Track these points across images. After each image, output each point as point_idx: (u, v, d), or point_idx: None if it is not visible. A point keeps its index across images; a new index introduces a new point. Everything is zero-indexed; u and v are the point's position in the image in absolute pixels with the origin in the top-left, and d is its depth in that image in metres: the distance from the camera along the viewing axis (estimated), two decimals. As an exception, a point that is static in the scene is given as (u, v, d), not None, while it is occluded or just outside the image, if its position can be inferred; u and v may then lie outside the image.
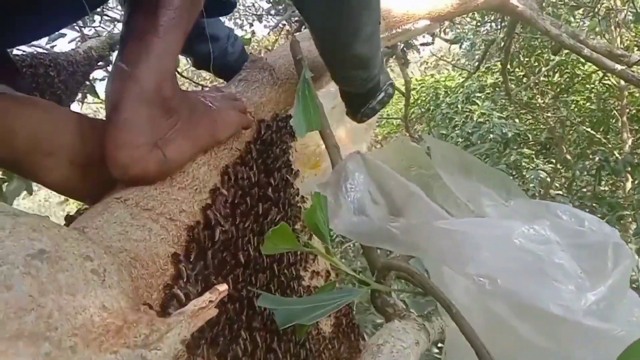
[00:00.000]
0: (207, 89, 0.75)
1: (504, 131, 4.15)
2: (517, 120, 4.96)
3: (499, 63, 5.11)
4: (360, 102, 0.81)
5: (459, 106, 4.62)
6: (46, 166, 0.52)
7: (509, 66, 4.55)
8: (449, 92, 5.22)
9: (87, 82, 2.23)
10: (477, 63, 3.74)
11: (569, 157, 4.92)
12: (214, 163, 0.63)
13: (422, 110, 5.09)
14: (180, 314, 0.29)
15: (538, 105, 5.31)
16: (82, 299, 0.26)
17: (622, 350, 0.35)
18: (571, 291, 0.42)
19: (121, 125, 0.50)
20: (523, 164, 4.32)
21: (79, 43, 2.46)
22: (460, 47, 5.41)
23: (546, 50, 4.89)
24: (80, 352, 0.23)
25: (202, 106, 0.62)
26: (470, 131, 4.23)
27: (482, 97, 4.74)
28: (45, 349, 0.22)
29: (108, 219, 0.46)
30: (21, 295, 0.24)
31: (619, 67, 1.55)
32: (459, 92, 4.82)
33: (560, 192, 3.69)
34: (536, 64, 5.12)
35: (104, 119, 0.53)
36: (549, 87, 5.28)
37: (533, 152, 4.62)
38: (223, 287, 0.32)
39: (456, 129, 4.49)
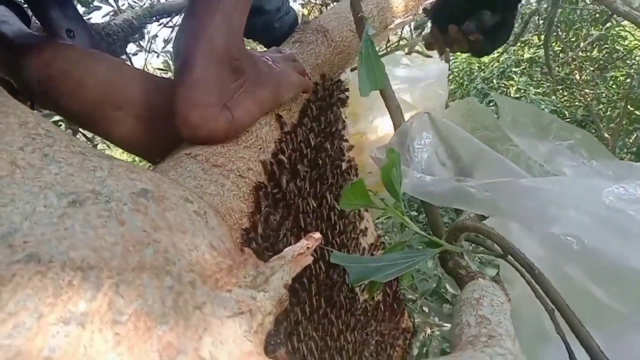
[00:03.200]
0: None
1: (541, 107, 4.05)
2: (553, 97, 4.83)
3: (535, 37, 4.97)
4: None
5: (494, 81, 4.51)
6: (113, 120, 0.51)
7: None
8: (482, 67, 5.10)
9: (125, 55, 2.25)
10: (514, 35, 3.63)
11: (606, 134, 4.78)
12: (275, 123, 0.62)
13: (455, 85, 4.99)
14: (281, 259, 0.28)
15: (575, 81, 5.16)
16: (192, 237, 0.25)
17: None
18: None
19: (193, 85, 0.49)
20: (559, 141, 4.21)
21: (113, 16, 2.47)
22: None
23: (585, 24, 4.72)
24: (199, 287, 0.22)
25: (266, 67, 0.61)
26: (505, 107, 4.13)
27: (518, 72, 4.62)
28: (167, 282, 0.21)
29: (182, 172, 0.45)
30: (136, 229, 0.23)
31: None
32: (494, 66, 4.70)
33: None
34: (574, 38, 4.96)
35: (173, 76, 0.52)
36: (588, 63, 5.11)
37: (570, 129, 4.50)
38: (317, 235, 0.31)
39: (491, 104, 4.40)
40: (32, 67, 0.46)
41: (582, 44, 4.87)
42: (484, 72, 4.76)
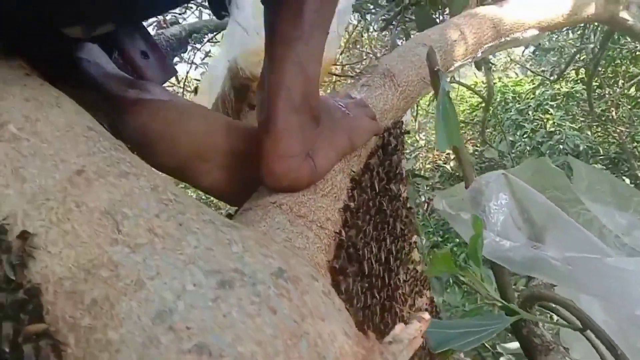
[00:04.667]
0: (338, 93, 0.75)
1: (576, 143, 4.01)
2: (588, 133, 4.77)
3: (573, 71, 4.92)
4: None
5: (530, 113, 4.47)
6: (201, 171, 0.53)
7: (583, 75, 4.38)
8: (517, 98, 5.07)
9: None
10: (553, 69, 3.61)
11: (639, 174, 4.69)
12: (347, 170, 0.63)
13: (489, 114, 4.96)
14: (399, 343, 0.29)
15: (611, 117, 5.09)
16: (330, 324, 0.26)
17: None
18: None
19: (277, 137, 0.51)
20: (592, 178, 4.15)
21: (157, 29, 2.54)
22: (528, 51, 5.23)
23: (625, 61, 4.67)
24: (347, 383, 0.23)
25: (340, 113, 0.62)
26: (540, 140, 4.10)
27: (554, 105, 4.58)
28: (323, 380, 0.22)
29: (271, 224, 0.47)
30: (287, 319, 0.24)
31: None
32: (530, 98, 4.67)
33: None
34: (612, 74, 4.90)
35: (257, 125, 0.54)
36: (625, 100, 5.04)
37: (603, 168, 4.43)
38: (427, 317, 0.32)
39: (525, 136, 4.36)
40: (130, 126, 0.48)
41: (620, 82, 4.81)
42: (519, 104, 4.73)
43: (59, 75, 0.45)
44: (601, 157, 5.03)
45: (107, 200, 0.30)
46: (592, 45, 2.28)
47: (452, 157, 4.89)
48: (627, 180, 4.56)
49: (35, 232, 0.29)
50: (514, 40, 1.18)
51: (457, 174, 4.82)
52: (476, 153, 5.09)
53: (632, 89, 5.02)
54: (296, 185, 0.53)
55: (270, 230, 0.46)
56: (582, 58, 3.13)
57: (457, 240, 3.51)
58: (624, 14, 1.34)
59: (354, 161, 0.66)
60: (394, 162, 0.74)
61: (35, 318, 0.27)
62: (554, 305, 0.50)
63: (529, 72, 5.20)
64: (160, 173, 0.42)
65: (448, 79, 0.68)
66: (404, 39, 1.74)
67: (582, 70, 4.16)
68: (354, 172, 0.65)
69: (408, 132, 0.82)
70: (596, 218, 0.58)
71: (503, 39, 1.15)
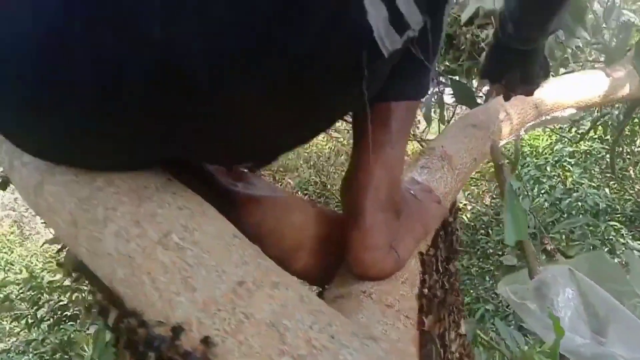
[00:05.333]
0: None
1: (595, 201, 4.03)
2: (607, 190, 4.79)
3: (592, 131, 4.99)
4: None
5: (548, 169, 4.52)
6: (297, 258, 0.58)
7: (602, 134, 4.45)
8: (535, 153, 5.12)
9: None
10: (571, 126, 3.67)
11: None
12: (416, 254, 0.68)
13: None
14: None
15: (628, 175, 5.11)
16: None
17: None
18: None
19: (367, 232, 0.56)
20: (611, 237, 4.15)
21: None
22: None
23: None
24: None
25: (413, 202, 0.68)
26: (559, 197, 4.12)
27: (573, 162, 4.62)
28: None
29: (369, 316, 0.51)
30: None
31: None
32: (549, 154, 4.72)
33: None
34: (629, 132, 4.96)
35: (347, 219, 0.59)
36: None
37: (622, 227, 4.43)
38: None
39: (543, 192, 4.39)
40: (246, 222, 0.53)
41: (638, 141, 4.86)
42: (537, 159, 4.78)
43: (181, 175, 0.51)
44: (618, 214, 5.04)
45: (269, 312, 0.36)
46: (616, 112, 2.34)
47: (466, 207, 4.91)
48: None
49: (214, 340, 0.34)
50: (553, 118, 1.24)
51: (473, 224, 4.83)
52: (492, 205, 5.11)
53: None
54: (382, 275, 0.58)
55: (370, 323, 0.50)
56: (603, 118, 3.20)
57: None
58: (656, 94, 1.41)
59: (421, 244, 0.70)
60: (453, 241, 0.79)
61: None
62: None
63: (546, 128, 5.27)
64: (299, 281, 0.47)
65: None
66: (438, 108, 1.81)
67: (600, 128, 4.24)
68: (422, 255, 0.70)
69: (460, 209, 0.87)
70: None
71: (543, 117, 1.22)
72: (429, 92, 1.90)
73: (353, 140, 0.59)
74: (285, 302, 0.37)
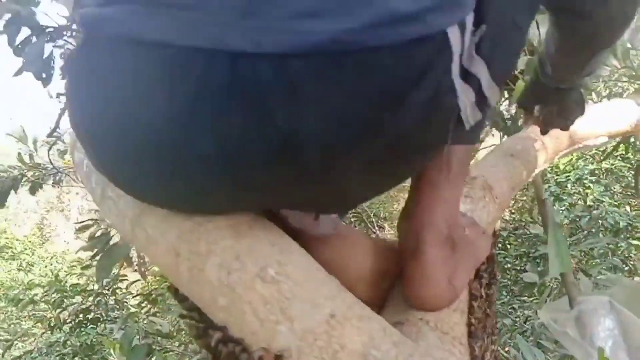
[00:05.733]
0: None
1: (616, 219, 4.02)
2: (627, 208, 4.77)
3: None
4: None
5: (569, 186, 4.52)
6: (357, 290, 0.63)
7: (624, 152, 4.45)
8: (556, 169, 5.12)
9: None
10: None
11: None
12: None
13: (526, 188, 5.01)
14: None
15: (649, 194, 5.09)
16: None
17: None
18: None
19: (426, 267, 0.61)
20: (632, 255, 4.14)
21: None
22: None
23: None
24: None
25: (464, 237, 0.72)
26: (579, 215, 4.12)
27: (594, 180, 4.61)
28: None
29: (428, 343, 0.56)
30: None
31: None
32: (570, 172, 4.72)
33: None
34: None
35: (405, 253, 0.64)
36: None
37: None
38: None
39: (563, 209, 4.39)
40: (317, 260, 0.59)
41: (660, 159, 4.83)
42: (558, 176, 4.78)
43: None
44: (638, 231, 5.01)
45: (360, 343, 0.41)
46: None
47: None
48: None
49: (314, 367, 0.39)
50: (585, 146, 1.28)
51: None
52: (511, 220, 5.11)
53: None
54: (439, 307, 0.62)
55: (429, 349, 0.55)
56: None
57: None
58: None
59: (469, 273, 0.75)
60: (494, 269, 0.84)
61: None
62: None
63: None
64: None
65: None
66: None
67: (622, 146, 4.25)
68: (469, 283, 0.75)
69: (498, 236, 0.91)
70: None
71: (576, 146, 1.26)
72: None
73: (412, 178, 0.64)
74: (371, 334, 0.42)
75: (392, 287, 0.68)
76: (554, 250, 0.69)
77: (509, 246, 4.71)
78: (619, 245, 3.90)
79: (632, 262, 3.90)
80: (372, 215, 4.55)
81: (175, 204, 0.51)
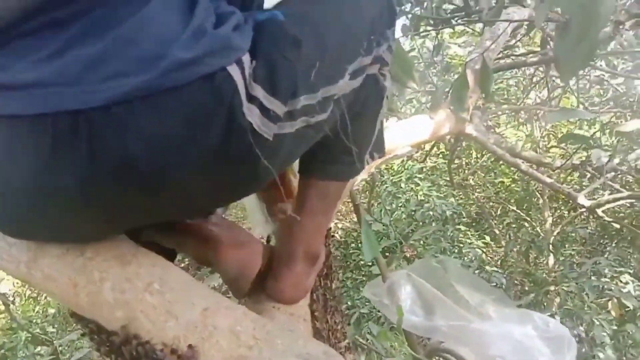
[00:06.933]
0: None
1: (443, 209, 4.64)
2: (452, 200, 5.50)
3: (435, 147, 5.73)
4: None
5: (402, 185, 5.09)
6: (242, 287, 0.79)
7: (444, 150, 5.18)
8: (391, 170, 5.72)
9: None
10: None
11: (496, 231, 5.48)
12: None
13: (365, 187, 5.54)
14: None
15: (469, 184, 5.93)
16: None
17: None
18: (547, 365, 0.76)
19: (296, 277, 0.81)
20: (460, 238, 4.81)
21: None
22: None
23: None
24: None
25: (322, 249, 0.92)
26: (414, 209, 4.69)
27: (422, 177, 5.25)
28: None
29: (280, 321, 0.75)
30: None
31: (548, 180, 2.01)
32: (401, 172, 5.31)
33: (495, 269, 4.15)
34: (466, 147, 5.77)
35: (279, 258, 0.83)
36: (479, 169, 5.91)
37: (468, 229, 5.13)
38: None
39: (400, 205, 4.94)
40: (225, 265, 0.75)
41: (473, 153, 5.66)
42: (393, 176, 5.35)
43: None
44: (464, 219, 5.81)
45: (227, 324, 0.59)
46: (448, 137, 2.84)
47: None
48: (488, 238, 5.32)
49: (196, 345, 0.56)
50: (395, 156, 1.59)
51: (345, 239, 5.25)
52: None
53: (485, 158, 5.93)
54: (296, 301, 0.82)
55: (280, 324, 0.75)
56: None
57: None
58: (469, 129, 1.83)
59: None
60: (332, 263, 1.07)
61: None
62: (444, 354, 0.84)
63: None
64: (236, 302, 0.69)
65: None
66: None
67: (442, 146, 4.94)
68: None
69: (332, 229, 1.14)
70: (462, 297, 0.94)
71: (387, 157, 1.55)
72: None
73: (296, 199, 0.81)
74: (236, 317, 0.60)
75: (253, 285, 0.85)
76: (366, 241, 0.93)
77: (360, 245, 5.17)
78: (447, 231, 4.51)
79: (459, 245, 4.53)
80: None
81: (60, 234, 0.64)
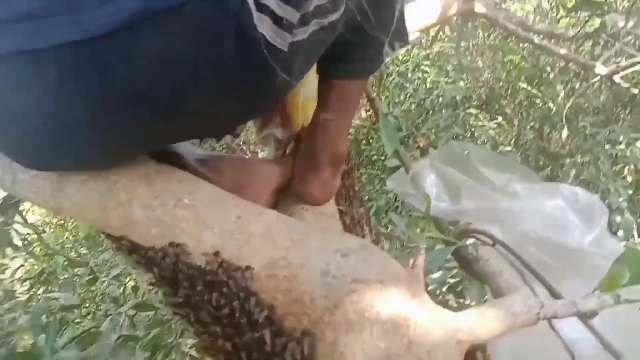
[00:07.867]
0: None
1: (452, 95, 4.57)
2: (461, 83, 5.39)
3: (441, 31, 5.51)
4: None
5: (409, 75, 4.98)
6: (261, 197, 0.79)
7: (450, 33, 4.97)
8: (396, 61, 5.57)
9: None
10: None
11: (508, 111, 5.41)
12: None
13: (373, 79, 5.42)
14: (419, 268, 0.61)
15: (477, 67, 5.77)
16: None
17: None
18: (578, 234, 0.77)
19: (324, 180, 0.80)
20: (471, 122, 4.77)
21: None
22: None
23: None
24: None
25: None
26: (423, 98, 4.61)
27: (429, 64, 5.12)
28: None
29: (310, 220, 0.76)
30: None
31: (563, 51, 1.94)
32: (407, 61, 5.17)
33: (509, 148, 4.15)
34: (472, 28, 5.54)
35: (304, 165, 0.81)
36: (487, 49, 5.72)
37: (479, 111, 5.07)
38: (423, 249, 0.64)
39: (409, 96, 4.87)
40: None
41: (480, 33, 5.45)
42: (399, 67, 5.22)
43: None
44: (475, 102, 5.72)
45: (262, 228, 0.59)
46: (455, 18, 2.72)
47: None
48: (500, 118, 5.27)
49: (235, 252, 0.57)
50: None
51: (355, 137, 5.25)
52: (367, 117, 5.54)
53: (492, 37, 5.73)
54: (325, 202, 0.82)
55: (311, 223, 0.75)
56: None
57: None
58: (478, 7, 1.74)
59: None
60: (351, 163, 1.06)
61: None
62: (474, 234, 0.85)
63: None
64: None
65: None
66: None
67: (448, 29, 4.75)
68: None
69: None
70: (487, 178, 0.94)
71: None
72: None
73: (318, 101, 0.78)
74: (269, 222, 0.60)
75: (278, 198, 0.85)
76: (385, 134, 0.91)
77: (371, 140, 5.17)
78: (458, 116, 4.47)
79: (471, 129, 4.51)
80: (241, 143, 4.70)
81: (79, 162, 0.64)
